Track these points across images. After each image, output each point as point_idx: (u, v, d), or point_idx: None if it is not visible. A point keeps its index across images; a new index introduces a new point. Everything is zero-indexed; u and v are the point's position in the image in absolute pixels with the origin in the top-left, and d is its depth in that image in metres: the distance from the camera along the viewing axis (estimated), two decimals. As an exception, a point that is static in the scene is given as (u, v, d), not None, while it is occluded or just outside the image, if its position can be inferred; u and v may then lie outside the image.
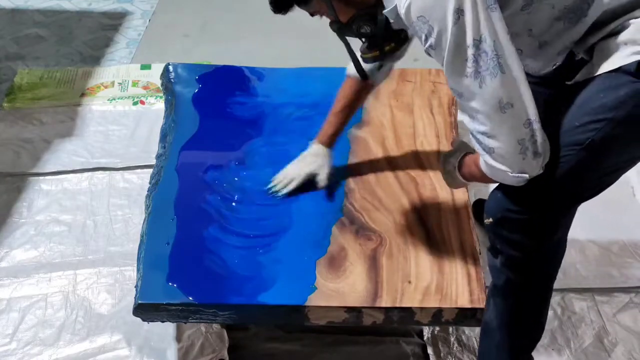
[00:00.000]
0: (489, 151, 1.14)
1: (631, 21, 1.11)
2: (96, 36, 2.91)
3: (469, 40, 1.06)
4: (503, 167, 1.14)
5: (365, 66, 1.44)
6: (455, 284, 1.43)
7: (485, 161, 1.17)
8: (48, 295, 1.78)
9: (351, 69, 1.52)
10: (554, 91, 1.27)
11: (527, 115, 1.10)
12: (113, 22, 3.01)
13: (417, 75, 2.07)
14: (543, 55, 1.22)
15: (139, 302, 1.40)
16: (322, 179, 1.64)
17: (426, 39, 1.09)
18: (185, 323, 1.58)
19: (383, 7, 1.22)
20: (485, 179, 1.23)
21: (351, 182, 1.69)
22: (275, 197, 1.63)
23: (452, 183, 1.40)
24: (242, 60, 2.22)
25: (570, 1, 1.13)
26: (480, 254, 1.51)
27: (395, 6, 1.15)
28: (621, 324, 1.74)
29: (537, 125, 1.11)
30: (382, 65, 1.55)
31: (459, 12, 1.04)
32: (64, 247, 1.91)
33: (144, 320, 1.45)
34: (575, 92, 1.18)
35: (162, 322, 1.46)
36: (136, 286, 1.45)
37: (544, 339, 1.48)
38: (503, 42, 1.07)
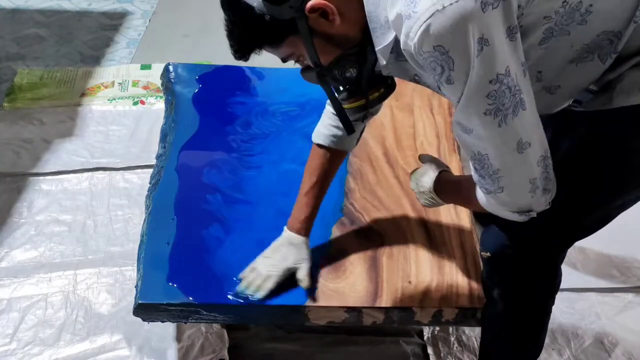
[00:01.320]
0: (496, 191, 1.05)
1: None
2: (96, 36, 2.91)
3: (494, 74, 0.92)
4: (509, 207, 1.07)
5: (335, 131, 1.33)
6: (455, 284, 1.43)
7: (488, 200, 1.09)
8: (48, 295, 1.78)
9: (319, 136, 1.40)
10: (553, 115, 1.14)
11: (542, 152, 1.02)
12: (113, 22, 3.02)
13: (417, 75, 2.07)
14: (549, 99, 1.10)
15: (139, 302, 1.40)
16: (303, 276, 1.38)
17: (442, 73, 0.94)
18: (185, 323, 1.58)
19: (371, 46, 1.05)
20: (477, 209, 1.15)
21: (351, 182, 1.69)
22: (251, 300, 1.38)
23: (427, 203, 1.33)
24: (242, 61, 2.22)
25: (589, 39, 1.00)
26: (480, 254, 1.51)
27: (392, 42, 1.01)
28: (621, 324, 1.74)
29: (549, 161, 1.04)
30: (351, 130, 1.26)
31: (483, 42, 0.90)
32: (64, 247, 1.91)
33: (144, 320, 1.44)
34: (583, 121, 1.10)
35: (162, 322, 1.46)
36: (136, 286, 1.45)
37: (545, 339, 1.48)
38: (524, 74, 0.96)
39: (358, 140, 1.45)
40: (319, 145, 1.42)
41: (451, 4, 0.88)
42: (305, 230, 1.42)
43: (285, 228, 1.44)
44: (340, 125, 1.21)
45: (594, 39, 1.00)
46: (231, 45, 1.06)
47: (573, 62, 1.03)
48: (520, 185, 1.03)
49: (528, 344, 1.40)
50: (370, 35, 1.03)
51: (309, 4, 0.98)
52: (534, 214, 1.07)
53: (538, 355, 1.43)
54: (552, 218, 1.10)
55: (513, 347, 1.39)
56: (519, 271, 1.25)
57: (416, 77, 1.11)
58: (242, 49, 1.06)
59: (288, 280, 1.41)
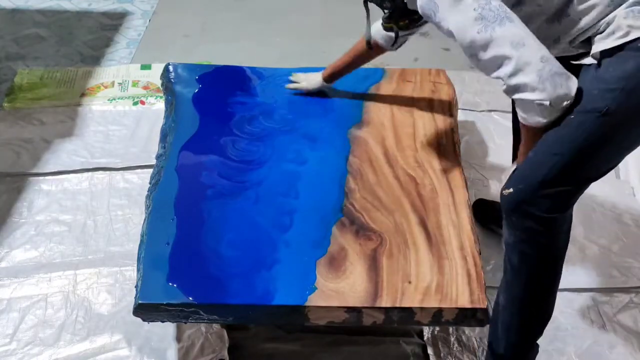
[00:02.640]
0: (522, 89, 1.22)
1: (614, 14, 1.25)
2: (96, 36, 2.92)
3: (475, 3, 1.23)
4: (538, 97, 1.21)
5: (384, 34, 1.73)
6: (455, 284, 1.43)
7: (520, 102, 1.25)
8: (48, 295, 1.78)
9: (375, 33, 1.76)
10: None
11: (540, 52, 1.21)
12: (113, 22, 3.02)
13: (417, 75, 2.07)
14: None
15: (139, 302, 1.40)
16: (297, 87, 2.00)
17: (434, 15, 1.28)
18: (185, 323, 1.58)
19: None
20: (528, 135, 1.32)
21: (351, 182, 1.69)
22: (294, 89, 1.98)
23: None
24: (242, 60, 2.22)
25: (554, 6, 1.29)
26: (480, 254, 1.51)
27: None
28: (621, 324, 1.74)
29: (553, 60, 1.21)
30: (395, 41, 1.72)
31: None
32: (64, 247, 1.91)
33: (144, 320, 1.44)
34: (584, 70, 1.28)
35: (162, 322, 1.46)
36: (136, 286, 1.45)
37: (545, 339, 1.48)
38: (507, 7, 1.24)
39: (398, 46, 1.80)
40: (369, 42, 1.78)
41: None
42: (328, 78, 1.97)
43: (319, 74, 1.98)
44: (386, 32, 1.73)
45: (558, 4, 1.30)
46: None
47: (546, 22, 1.31)
48: (536, 75, 1.20)
49: (540, 298, 1.41)
50: None
51: None
52: (569, 100, 1.22)
53: (546, 323, 1.45)
54: (572, 150, 1.24)
55: (527, 302, 1.40)
56: (540, 207, 1.29)
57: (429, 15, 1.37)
58: None
59: (289, 280, 1.42)
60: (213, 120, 1.89)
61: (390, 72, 2.09)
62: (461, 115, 2.10)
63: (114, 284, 1.81)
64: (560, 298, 1.76)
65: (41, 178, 2.14)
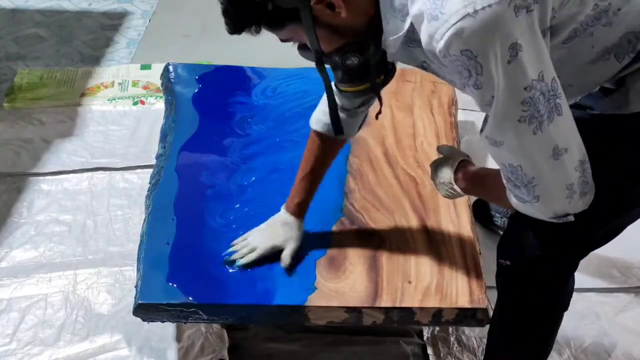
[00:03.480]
0: (532, 200, 1.01)
1: None
2: (96, 36, 2.91)
3: (528, 80, 0.88)
4: (545, 214, 1.03)
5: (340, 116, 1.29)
6: (455, 284, 1.43)
7: (522, 207, 1.05)
8: (48, 295, 1.78)
9: (316, 122, 1.38)
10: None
11: (580, 156, 0.98)
12: (113, 22, 3.01)
13: (417, 75, 2.07)
14: None
15: (139, 302, 1.40)
16: (286, 255, 1.42)
17: (469, 77, 0.90)
18: (185, 323, 1.58)
19: (377, 34, 1.02)
20: (506, 207, 1.13)
21: (351, 182, 1.69)
22: (234, 267, 1.44)
23: (447, 194, 1.31)
24: (242, 60, 2.22)
25: (610, 42, 0.98)
26: (480, 254, 1.51)
27: (405, 32, 0.98)
28: (621, 324, 1.74)
29: (587, 165, 1.00)
30: (353, 116, 1.34)
31: (516, 47, 0.85)
32: (64, 247, 1.91)
33: (144, 320, 1.44)
34: (600, 124, 1.07)
35: (162, 322, 1.46)
36: (136, 286, 1.45)
37: (544, 339, 1.48)
38: (556, 77, 0.92)
39: (360, 127, 1.43)
40: (317, 132, 1.41)
41: (483, 8, 0.83)
42: (300, 212, 1.45)
43: (282, 207, 1.48)
44: (339, 112, 1.23)
45: (615, 41, 0.98)
46: (225, 22, 1.02)
47: (590, 63, 1.00)
48: (557, 193, 0.99)
49: (537, 350, 1.39)
50: (377, 26, 1.00)
51: None
52: (571, 218, 1.03)
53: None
54: (574, 227, 1.06)
55: (520, 352, 1.38)
56: (538, 280, 1.23)
57: (424, 64, 1.08)
58: (236, 28, 1.02)
59: (289, 280, 1.42)
60: (213, 120, 1.89)
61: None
62: (461, 115, 2.09)
63: (114, 284, 1.81)
64: (560, 298, 1.77)
65: (41, 178, 2.14)
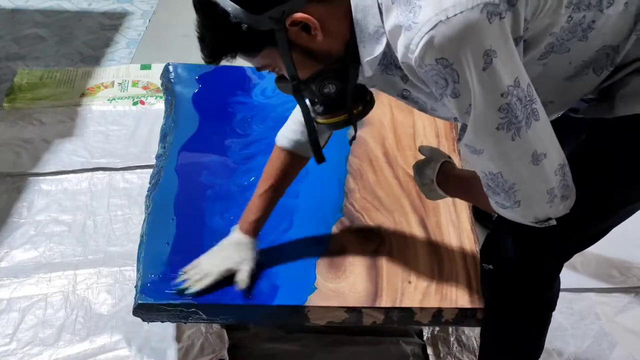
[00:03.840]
0: (512, 206, 1.02)
1: None
2: (96, 36, 2.92)
3: (504, 87, 0.88)
4: (527, 219, 1.03)
5: (300, 137, 1.29)
6: (455, 284, 1.43)
7: (503, 212, 1.06)
8: (48, 295, 1.78)
9: (283, 139, 1.37)
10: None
11: (560, 160, 0.98)
12: (113, 22, 3.02)
13: (417, 75, 2.07)
14: None
15: (139, 302, 1.40)
16: (242, 279, 1.36)
17: (445, 87, 0.90)
18: (185, 323, 1.58)
19: (355, 60, 1.00)
20: (487, 209, 1.10)
21: (351, 182, 1.69)
22: (185, 294, 1.36)
23: (431, 196, 1.30)
24: (242, 60, 2.22)
25: (587, 56, 0.98)
26: (480, 254, 1.51)
27: (381, 54, 0.97)
28: (621, 324, 1.74)
29: (567, 169, 1.00)
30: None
31: (491, 53, 0.85)
32: (64, 247, 1.91)
33: (144, 320, 1.44)
34: (587, 129, 1.07)
35: (162, 322, 1.46)
36: (136, 286, 1.44)
37: (544, 339, 1.48)
38: (530, 83, 0.91)
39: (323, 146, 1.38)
40: (282, 148, 1.39)
41: (455, 15, 0.83)
42: (254, 231, 1.41)
43: (235, 227, 1.43)
44: (304, 135, 1.21)
45: (592, 55, 0.98)
46: (201, 49, 1.01)
47: (569, 79, 1.01)
48: (538, 197, 0.99)
49: (528, 351, 1.39)
50: (353, 51, 0.98)
51: (290, 17, 0.93)
52: (553, 222, 1.03)
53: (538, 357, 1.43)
54: (558, 231, 1.06)
55: (511, 354, 1.38)
56: (522, 283, 1.23)
57: (404, 93, 1.07)
58: (213, 55, 1.01)
59: (289, 280, 1.42)
60: (213, 120, 1.89)
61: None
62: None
63: (113, 284, 1.81)
64: (560, 298, 1.76)
65: (41, 178, 2.14)
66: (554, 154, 0.97)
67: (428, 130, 1.86)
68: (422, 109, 1.09)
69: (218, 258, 1.40)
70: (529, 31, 0.92)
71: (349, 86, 1.04)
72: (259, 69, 1.06)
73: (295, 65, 1.00)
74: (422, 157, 1.35)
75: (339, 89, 1.04)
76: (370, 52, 0.97)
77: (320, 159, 1.19)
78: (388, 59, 0.98)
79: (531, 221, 1.04)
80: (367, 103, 1.12)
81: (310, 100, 1.10)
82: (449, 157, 1.33)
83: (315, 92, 1.05)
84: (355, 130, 1.18)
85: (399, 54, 0.92)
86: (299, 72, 1.02)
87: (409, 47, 0.88)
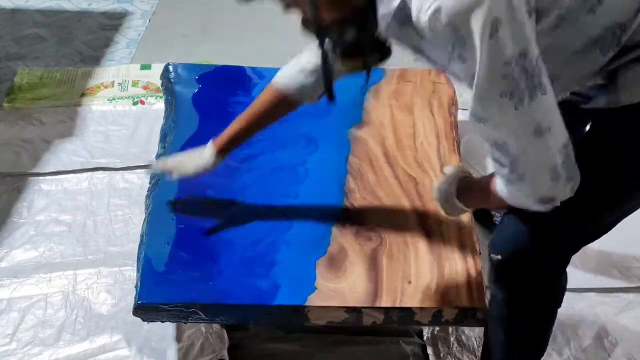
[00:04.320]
0: (517, 180, 1.03)
1: None
2: (96, 36, 2.91)
3: (509, 54, 0.90)
4: (532, 197, 1.05)
5: (301, 80, 1.37)
6: (455, 284, 1.43)
7: (509, 190, 1.07)
8: (48, 295, 1.78)
9: (282, 79, 1.44)
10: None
11: (564, 139, 0.99)
12: (113, 22, 3.01)
13: (417, 75, 2.07)
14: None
15: (139, 302, 1.40)
16: (158, 165, 1.60)
17: (453, 50, 0.93)
18: (185, 323, 1.58)
19: (374, 10, 1.03)
20: (500, 205, 1.13)
21: (351, 182, 1.69)
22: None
23: (452, 212, 1.31)
24: (242, 60, 2.22)
25: (595, 32, 1.00)
26: (480, 254, 1.51)
27: (396, 7, 1.00)
28: (621, 324, 1.74)
29: (570, 150, 1.01)
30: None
31: (497, 22, 0.88)
32: (64, 247, 1.91)
33: (144, 320, 1.45)
34: (593, 119, 1.09)
35: (162, 322, 1.46)
36: (136, 286, 1.45)
37: (544, 339, 1.48)
38: (540, 57, 0.93)
39: (319, 98, 1.44)
40: (275, 88, 1.45)
41: None
42: (221, 147, 1.50)
43: (210, 141, 1.52)
44: (305, 79, 1.36)
45: (599, 32, 1.00)
46: None
47: (576, 53, 1.02)
48: (541, 173, 1.01)
49: (532, 346, 1.39)
50: (373, 1, 1.02)
51: None
52: (557, 203, 1.04)
53: (540, 358, 1.43)
54: (566, 221, 1.09)
55: (517, 351, 1.38)
56: (529, 272, 1.23)
57: (416, 47, 1.08)
58: None
59: (289, 280, 1.42)
60: (213, 120, 1.89)
61: (390, 72, 2.09)
62: (461, 115, 2.09)
63: (113, 284, 1.81)
64: (560, 298, 1.77)
65: (41, 178, 2.14)
66: (558, 132, 0.99)
67: (428, 130, 1.86)
68: (433, 63, 1.11)
69: (181, 158, 1.56)
70: (540, 1, 0.94)
71: (369, 33, 1.07)
72: (287, 5, 1.08)
73: (321, 9, 1.04)
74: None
75: (359, 35, 1.07)
76: (387, 6, 1.01)
77: (332, 96, 1.23)
78: (403, 15, 1.00)
79: (536, 200, 1.05)
80: (385, 52, 1.15)
81: (332, 48, 1.13)
82: (469, 173, 1.32)
83: (335, 37, 1.08)
84: (369, 77, 1.21)
85: (413, 16, 0.96)
86: (323, 14, 1.05)
87: (421, 9, 0.92)
